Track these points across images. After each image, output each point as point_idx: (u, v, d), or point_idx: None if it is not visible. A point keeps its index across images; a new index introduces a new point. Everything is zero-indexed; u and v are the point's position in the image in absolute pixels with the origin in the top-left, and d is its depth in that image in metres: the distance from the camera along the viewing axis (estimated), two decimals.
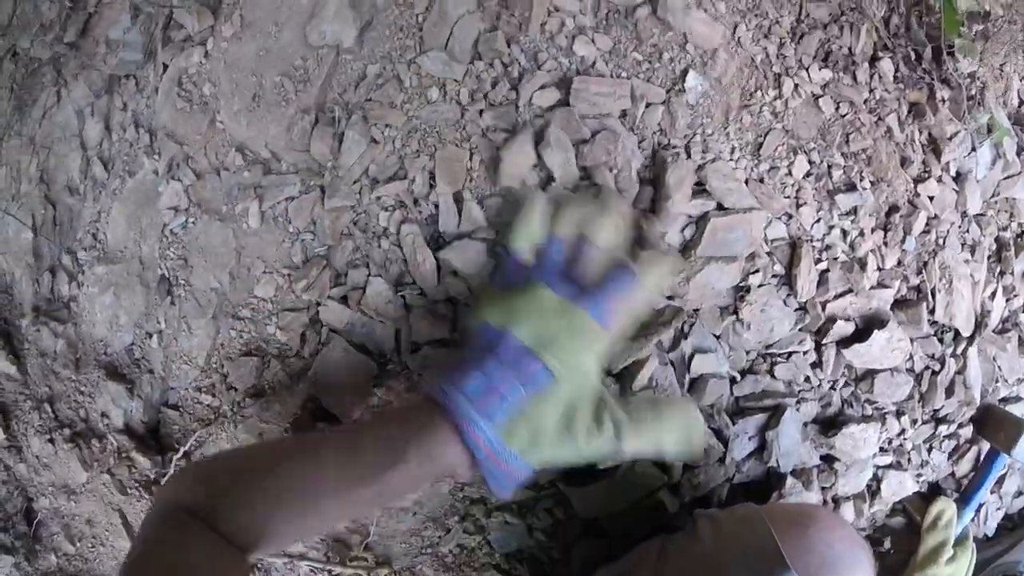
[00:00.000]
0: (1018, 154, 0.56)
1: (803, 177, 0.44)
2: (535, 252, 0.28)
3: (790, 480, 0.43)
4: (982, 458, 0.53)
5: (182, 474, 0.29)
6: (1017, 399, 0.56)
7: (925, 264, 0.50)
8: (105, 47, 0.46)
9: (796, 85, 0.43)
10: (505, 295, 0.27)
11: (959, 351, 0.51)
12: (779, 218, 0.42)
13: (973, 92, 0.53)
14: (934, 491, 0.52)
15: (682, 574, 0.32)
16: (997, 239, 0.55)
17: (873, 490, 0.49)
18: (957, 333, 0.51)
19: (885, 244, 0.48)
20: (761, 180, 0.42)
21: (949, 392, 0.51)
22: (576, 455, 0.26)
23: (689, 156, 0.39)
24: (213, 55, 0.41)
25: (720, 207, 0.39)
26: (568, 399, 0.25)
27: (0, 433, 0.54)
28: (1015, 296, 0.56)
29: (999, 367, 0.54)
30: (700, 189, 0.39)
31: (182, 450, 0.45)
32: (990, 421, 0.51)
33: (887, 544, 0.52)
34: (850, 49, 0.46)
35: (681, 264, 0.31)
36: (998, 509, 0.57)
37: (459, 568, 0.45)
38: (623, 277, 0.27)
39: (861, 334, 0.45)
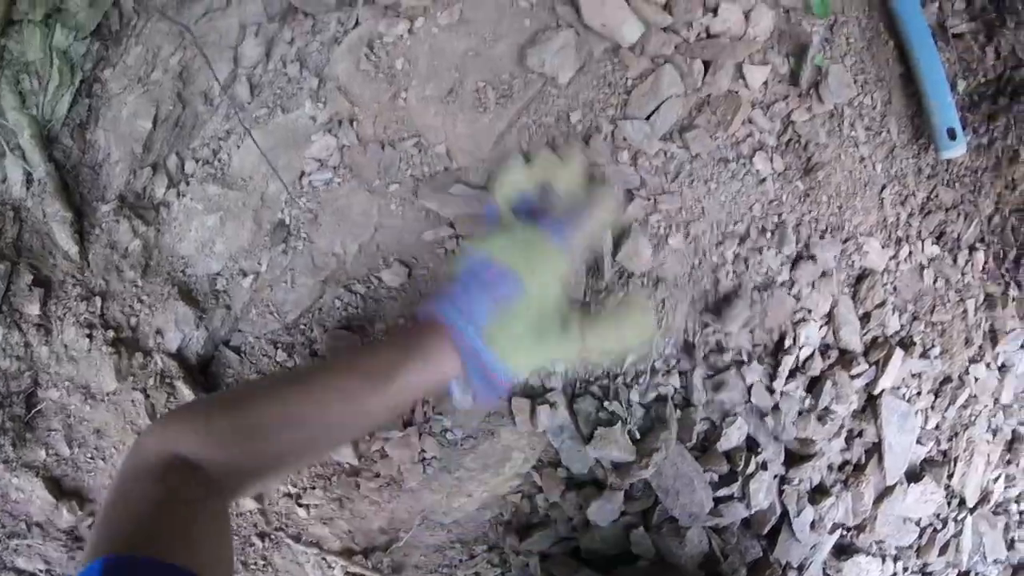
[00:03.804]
0: None
1: (892, 334, 0.50)
2: (511, 201, 0.33)
3: None
4: None
5: (175, 418, 0.28)
6: None
7: (956, 434, 0.57)
8: None
9: (911, 252, 0.49)
10: (485, 233, 0.33)
11: (960, 517, 0.58)
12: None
13: None
14: None
15: None
16: (1014, 431, 0.63)
17: None
18: (963, 501, 0.59)
19: (932, 408, 0.55)
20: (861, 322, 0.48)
21: (942, 550, 0.58)
22: (547, 357, 0.31)
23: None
24: (419, 34, 0.43)
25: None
26: (537, 306, 0.30)
27: (36, 308, 0.51)
28: (1013, 486, 0.64)
29: (983, 543, 0.62)
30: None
31: None
32: None
33: None
34: (959, 235, 0.52)
35: (620, 199, 0.36)
36: None
37: None
38: (578, 212, 0.32)
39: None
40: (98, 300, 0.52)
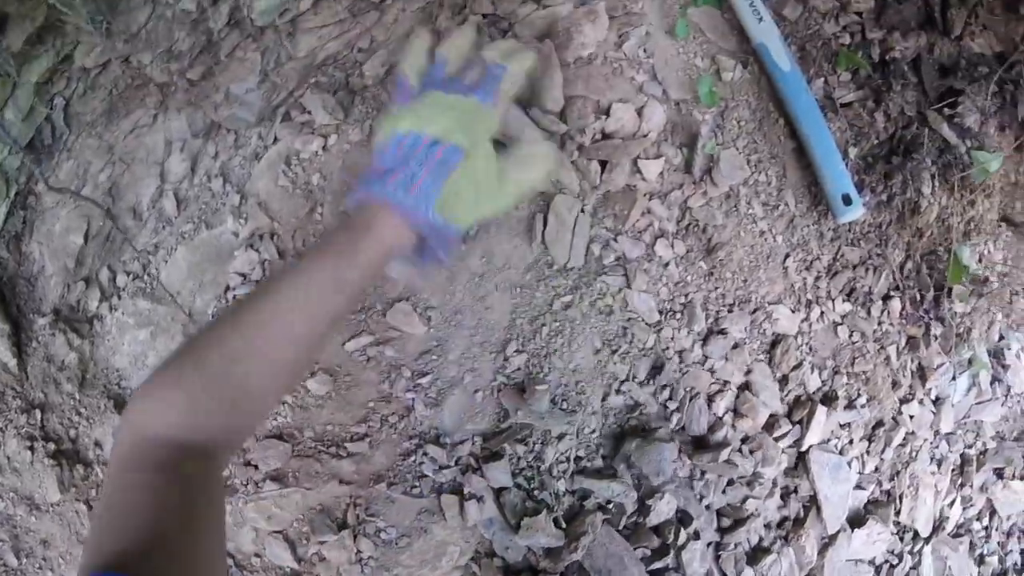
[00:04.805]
0: (991, 383, 0.69)
1: (814, 392, 0.53)
2: (421, 74, 0.36)
3: None
4: None
5: (148, 396, 0.27)
6: None
7: (898, 473, 0.61)
8: (222, 96, 0.50)
9: (822, 312, 0.54)
10: (405, 109, 0.34)
11: (916, 549, 0.62)
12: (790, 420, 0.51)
13: (961, 330, 0.65)
14: None
15: None
16: (963, 455, 0.67)
17: None
18: (916, 533, 0.62)
19: (867, 453, 0.58)
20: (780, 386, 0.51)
21: None
22: (493, 208, 0.35)
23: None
24: (332, 151, 0.46)
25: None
26: (479, 169, 0.33)
27: None
28: (971, 506, 0.67)
29: (949, 566, 0.65)
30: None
31: None
32: None
33: None
34: (870, 288, 0.57)
35: (532, 50, 0.39)
36: None
37: None
38: (496, 70, 0.35)
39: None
40: (38, 412, 0.54)
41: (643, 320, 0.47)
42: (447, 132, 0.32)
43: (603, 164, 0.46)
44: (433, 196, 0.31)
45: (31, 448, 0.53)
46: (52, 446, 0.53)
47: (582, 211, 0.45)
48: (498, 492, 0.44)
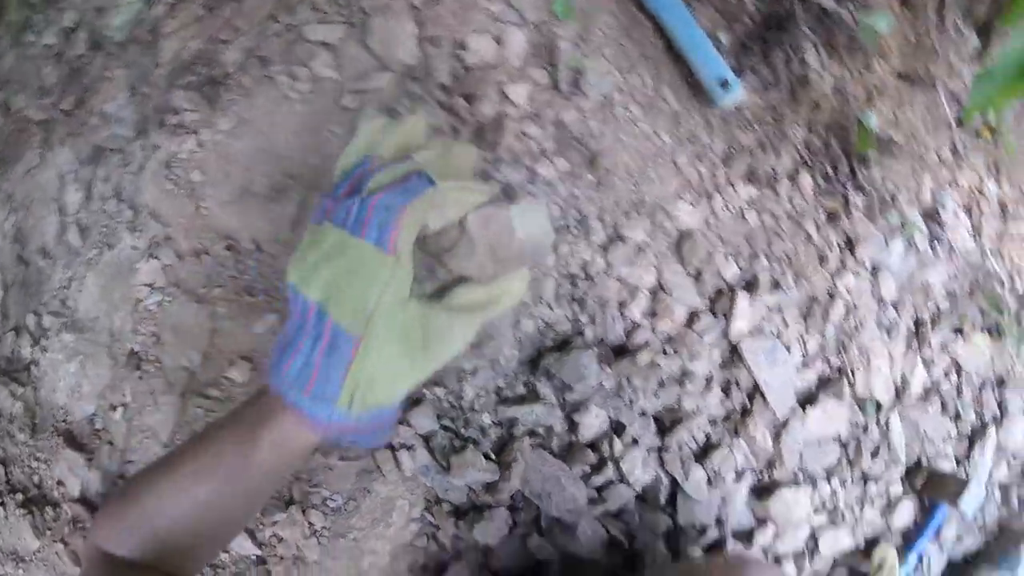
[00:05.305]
0: (932, 244, 0.69)
1: (733, 280, 0.54)
2: (346, 174, 0.24)
3: (731, 542, 0.51)
4: (922, 511, 0.63)
5: (102, 519, 0.28)
6: (942, 456, 0.66)
7: (844, 347, 0.61)
8: (98, 119, 0.51)
9: (725, 201, 0.54)
10: (306, 242, 0.25)
11: (881, 419, 0.62)
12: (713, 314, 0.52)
13: (886, 196, 0.65)
14: (873, 544, 0.61)
15: None
16: (916, 319, 0.67)
17: (811, 548, 0.58)
18: (879, 404, 0.62)
19: (807, 332, 0.58)
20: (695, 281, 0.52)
21: (874, 454, 0.61)
22: (427, 371, 0.25)
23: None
24: (207, 145, 0.47)
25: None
26: (383, 352, 0.23)
27: None
28: (934, 366, 0.67)
29: (923, 429, 0.65)
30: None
31: None
32: (931, 482, 0.63)
33: None
34: (773, 168, 0.57)
35: (478, 153, 0.26)
36: (941, 556, 0.67)
37: None
38: (413, 181, 0.23)
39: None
40: (1, 468, 0.56)
41: None
42: (327, 298, 0.23)
43: (469, 98, 0.46)
44: (334, 395, 0.23)
45: (2, 504, 0.55)
46: (20, 496, 0.54)
47: None
48: (427, 438, 0.45)
